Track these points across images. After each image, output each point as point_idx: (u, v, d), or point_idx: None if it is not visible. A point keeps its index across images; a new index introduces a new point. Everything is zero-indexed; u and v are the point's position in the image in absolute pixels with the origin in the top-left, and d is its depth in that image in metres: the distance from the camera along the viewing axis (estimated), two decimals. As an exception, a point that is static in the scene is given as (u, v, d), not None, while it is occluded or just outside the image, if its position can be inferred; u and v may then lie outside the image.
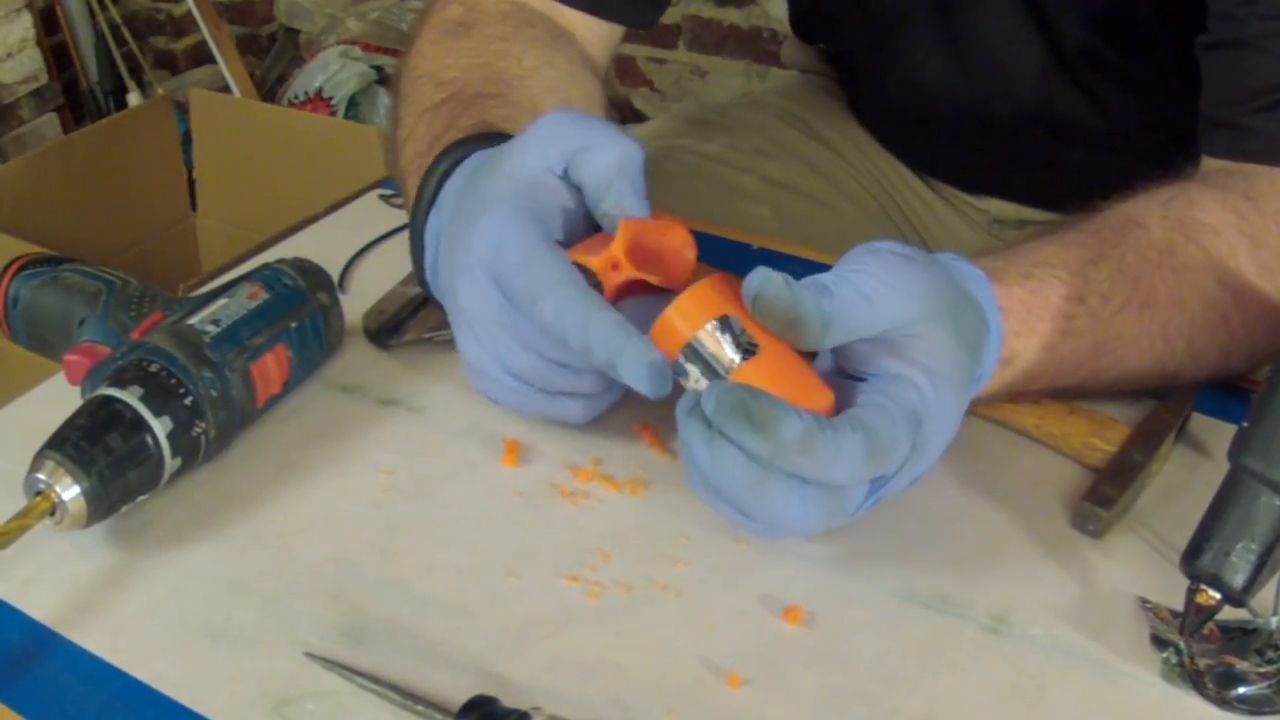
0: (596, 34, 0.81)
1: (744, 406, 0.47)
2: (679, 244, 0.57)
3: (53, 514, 0.55)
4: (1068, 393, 0.61)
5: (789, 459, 0.47)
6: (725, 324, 0.50)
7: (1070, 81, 0.85)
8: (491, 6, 0.77)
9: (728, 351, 0.50)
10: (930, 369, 0.50)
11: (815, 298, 0.49)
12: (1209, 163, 0.68)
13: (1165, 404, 0.62)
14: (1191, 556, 0.50)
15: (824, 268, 0.52)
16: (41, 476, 0.54)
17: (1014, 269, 0.57)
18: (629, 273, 0.55)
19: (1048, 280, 0.57)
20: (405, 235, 0.64)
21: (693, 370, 0.51)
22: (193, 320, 0.61)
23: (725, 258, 0.77)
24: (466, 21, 0.76)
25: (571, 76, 0.74)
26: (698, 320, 0.50)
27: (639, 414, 0.64)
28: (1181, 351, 0.61)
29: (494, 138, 0.62)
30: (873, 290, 0.49)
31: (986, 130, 0.92)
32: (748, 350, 0.50)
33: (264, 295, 0.64)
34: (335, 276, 0.70)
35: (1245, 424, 0.49)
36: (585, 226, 0.58)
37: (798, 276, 0.50)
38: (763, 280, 0.49)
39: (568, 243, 0.57)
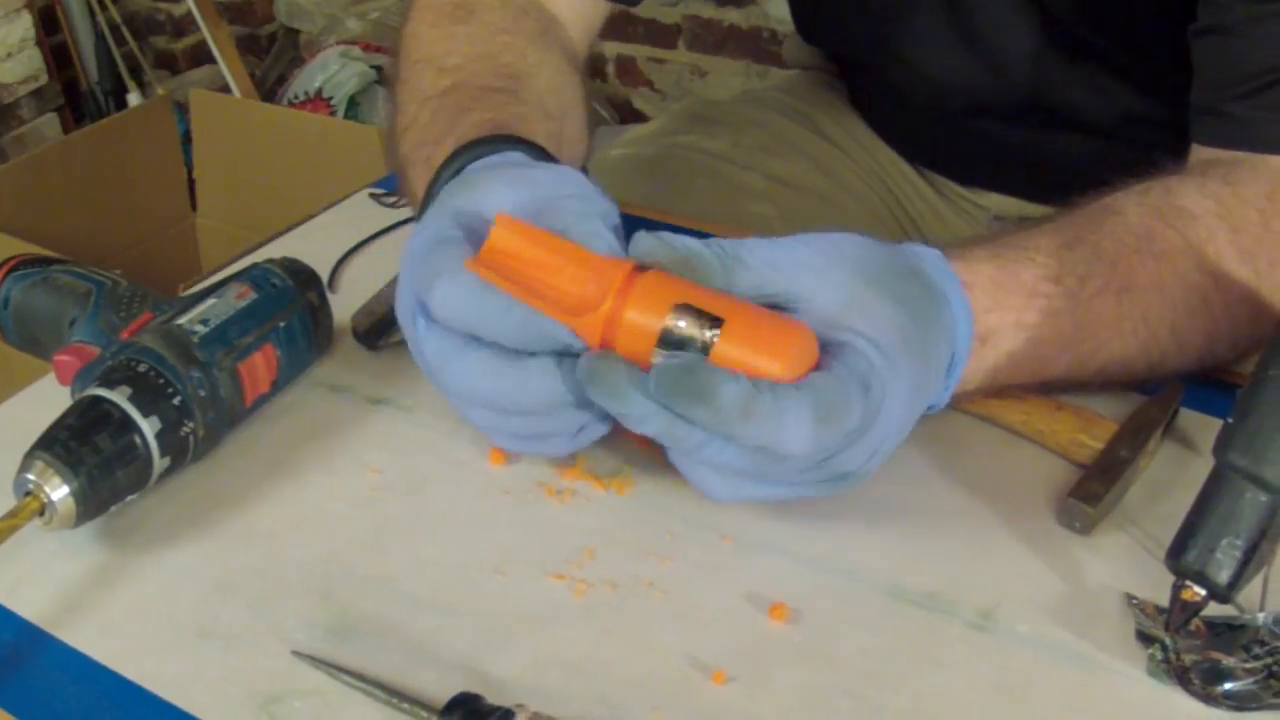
0: (580, 15, 0.80)
1: (678, 383, 0.47)
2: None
3: (42, 514, 0.55)
4: (1054, 385, 0.61)
5: (732, 425, 0.47)
6: (682, 308, 0.49)
7: (1070, 71, 0.85)
8: None
9: (699, 331, 0.49)
10: (873, 337, 0.50)
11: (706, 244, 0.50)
12: (1199, 152, 0.68)
13: (1153, 400, 0.62)
14: (1177, 553, 0.50)
15: None
16: (30, 476, 0.55)
17: (979, 248, 0.57)
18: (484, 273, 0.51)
19: (1019, 260, 0.57)
20: (395, 235, 0.64)
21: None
22: (181, 320, 0.61)
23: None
24: (464, 5, 0.74)
25: (564, 79, 0.74)
26: (661, 310, 0.49)
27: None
28: (1165, 337, 0.61)
29: (505, 141, 0.60)
30: (787, 245, 0.52)
31: (986, 121, 0.92)
32: (714, 322, 0.49)
33: (252, 295, 0.64)
34: (325, 276, 0.70)
35: (1230, 420, 0.49)
36: None
37: None
38: (646, 245, 0.50)
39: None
